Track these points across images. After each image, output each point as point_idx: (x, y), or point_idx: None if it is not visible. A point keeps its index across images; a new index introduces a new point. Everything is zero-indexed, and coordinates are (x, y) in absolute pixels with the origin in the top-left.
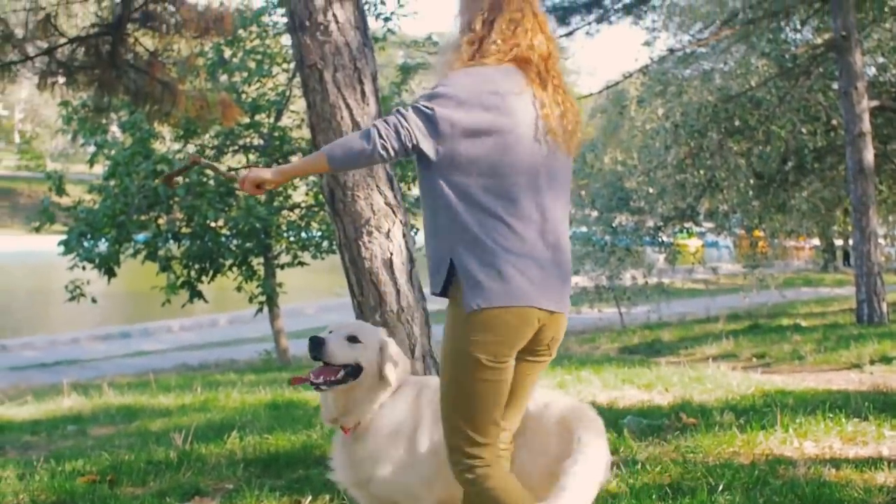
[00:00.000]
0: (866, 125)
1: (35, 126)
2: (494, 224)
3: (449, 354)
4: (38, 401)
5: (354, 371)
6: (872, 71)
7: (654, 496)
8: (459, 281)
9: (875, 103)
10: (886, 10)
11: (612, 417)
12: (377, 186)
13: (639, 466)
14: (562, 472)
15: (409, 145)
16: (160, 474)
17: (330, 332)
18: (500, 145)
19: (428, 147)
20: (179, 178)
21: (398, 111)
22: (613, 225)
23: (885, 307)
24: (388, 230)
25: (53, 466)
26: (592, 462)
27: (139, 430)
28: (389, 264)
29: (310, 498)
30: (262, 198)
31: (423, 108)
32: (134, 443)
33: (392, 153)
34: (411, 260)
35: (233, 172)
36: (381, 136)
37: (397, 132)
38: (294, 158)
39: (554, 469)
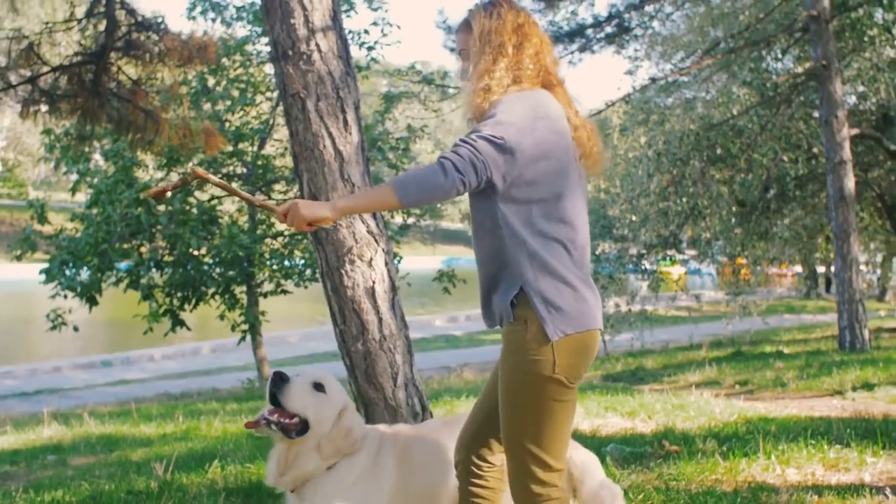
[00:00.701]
0: (847, 153)
1: (17, 154)
2: (557, 248)
3: (521, 379)
4: (17, 430)
5: (303, 427)
6: (853, 99)
7: None
8: (533, 307)
9: (855, 131)
10: (866, 39)
11: (595, 445)
12: (359, 215)
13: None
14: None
15: (484, 178)
16: None
17: (297, 375)
18: (556, 168)
19: (498, 177)
20: (169, 194)
21: (465, 142)
22: (597, 252)
23: (866, 334)
24: (371, 259)
25: (33, 497)
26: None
27: (120, 459)
28: (372, 293)
29: None
30: (246, 225)
31: (494, 139)
32: (114, 472)
33: (468, 187)
34: (394, 288)
35: (263, 199)
36: (458, 171)
37: (474, 165)
38: (277, 187)
39: None
